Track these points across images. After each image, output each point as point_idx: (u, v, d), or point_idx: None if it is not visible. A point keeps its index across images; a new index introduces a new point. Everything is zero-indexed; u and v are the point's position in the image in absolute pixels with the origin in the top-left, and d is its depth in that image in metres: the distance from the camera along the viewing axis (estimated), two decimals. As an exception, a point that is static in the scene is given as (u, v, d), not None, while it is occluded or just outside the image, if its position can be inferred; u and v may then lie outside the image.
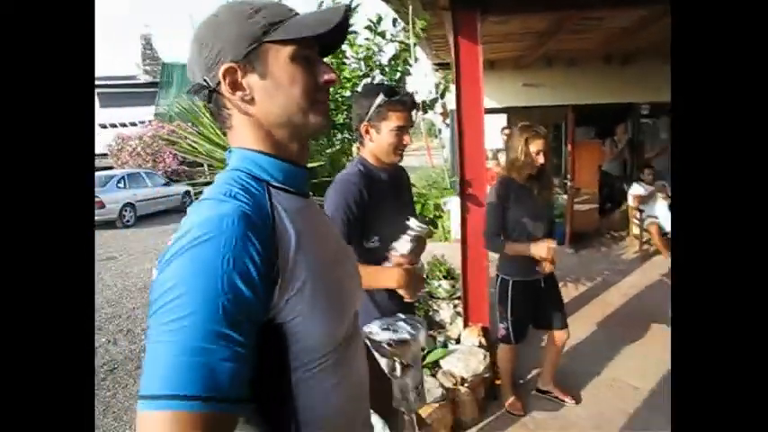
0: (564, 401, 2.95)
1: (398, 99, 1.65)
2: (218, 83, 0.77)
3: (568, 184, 6.81)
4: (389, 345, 0.83)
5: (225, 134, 0.85)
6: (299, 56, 0.78)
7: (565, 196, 7.00)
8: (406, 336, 1.38)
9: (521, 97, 7.33)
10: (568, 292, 4.85)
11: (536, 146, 2.53)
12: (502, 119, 7.63)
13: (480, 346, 3.10)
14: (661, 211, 6.04)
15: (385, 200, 1.69)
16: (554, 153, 9.16)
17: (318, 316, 0.75)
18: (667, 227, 5.97)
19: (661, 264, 5.76)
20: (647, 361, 3.46)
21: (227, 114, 0.80)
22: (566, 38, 5.37)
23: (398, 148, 1.68)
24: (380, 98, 1.62)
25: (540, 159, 2.54)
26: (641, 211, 6.22)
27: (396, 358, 0.85)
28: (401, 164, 1.85)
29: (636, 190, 6.32)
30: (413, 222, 1.55)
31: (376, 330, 1.47)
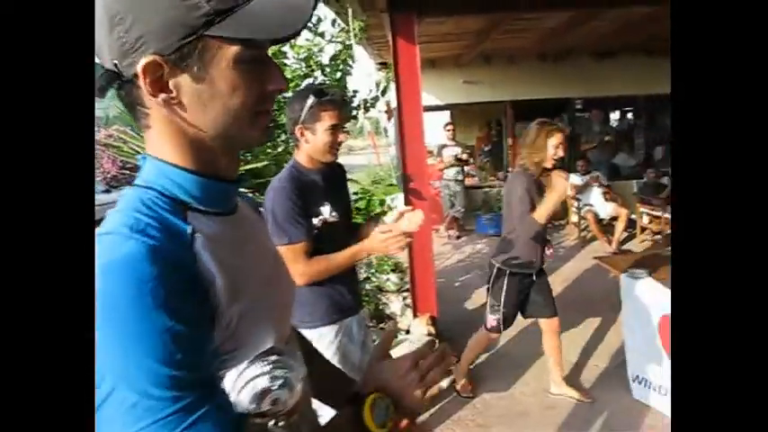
0: (582, 401, 2.94)
1: (329, 99, 1.69)
2: (135, 74, 0.58)
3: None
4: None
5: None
6: (246, 58, 0.61)
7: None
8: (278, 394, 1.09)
9: (461, 94, 7.55)
10: (513, 280, 5.07)
11: (556, 140, 2.60)
12: (444, 116, 7.84)
13: (429, 335, 3.21)
14: (596, 200, 6.40)
15: (319, 200, 1.73)
16: (496, 147, 9.52)
17: (252, 349, 0.65)
18: (602, 213, 6.33)
19: (598, 249, 6.10)
20: (589, 341, 3.70)
21: (144, 113, 0.64)
22: (502, 37, 5.60)
23: (334, 147, 1.73)
24: (311, 100, 1.66)
25: (560, 153, 2.62)
26: (578, 200, 6.55)
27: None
28: (345, 163, 1.91)
29: (573, 180, 6.65)
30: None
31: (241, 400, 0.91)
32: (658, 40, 6.18)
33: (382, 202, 4.15)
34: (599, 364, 3.37)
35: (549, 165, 2.63)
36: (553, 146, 2.59)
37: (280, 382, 0.64)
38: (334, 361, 1.73)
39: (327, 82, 3.56)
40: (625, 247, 6.38)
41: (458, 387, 3.05)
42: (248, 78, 0.62)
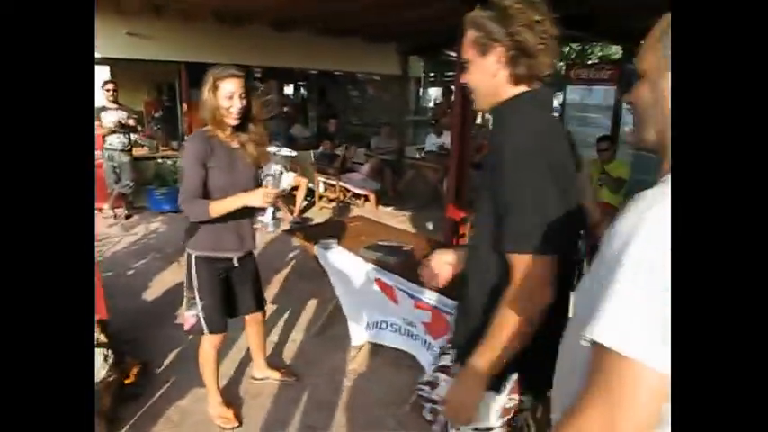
0: (286, 381, 2.78)
1: None
2: None
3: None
4: None
5: None
6: None
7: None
8: None
9: (125, 48, 6.46)
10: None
11: (229, 86, 2.07)
12: (103, 72, 6.58)
13: (99, 344, 2.55)
14: (275, 170, 6.44)
15: None
16: (169, 113, 8.63)
17: None
18: (283, 183, 6.43)
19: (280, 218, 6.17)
20: (285, 315, 3.63)
21: None
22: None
23: None
24: None
25: (237, 103, 2.11)
26: (260, 170, 6.48)
27: None
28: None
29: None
30: None
31: None
32: (331, 18, 6.51)
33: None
34: (296, 339, 3.33)
35: (232, 120, 2.10)
36: (226, 96, 2.06)
37: None
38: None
39: None
40: (306, 215, 6.66)
41: (216, 416, 2.44)
42: None
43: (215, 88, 2.06)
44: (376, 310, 2.96)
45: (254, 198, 2.08)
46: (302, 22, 7.06)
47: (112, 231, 5.51)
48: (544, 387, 1.12)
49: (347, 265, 2.99)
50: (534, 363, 1.11)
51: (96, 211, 5.88)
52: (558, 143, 1.15)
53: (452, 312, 2.22)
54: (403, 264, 2.80)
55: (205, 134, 2.13)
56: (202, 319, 2.26)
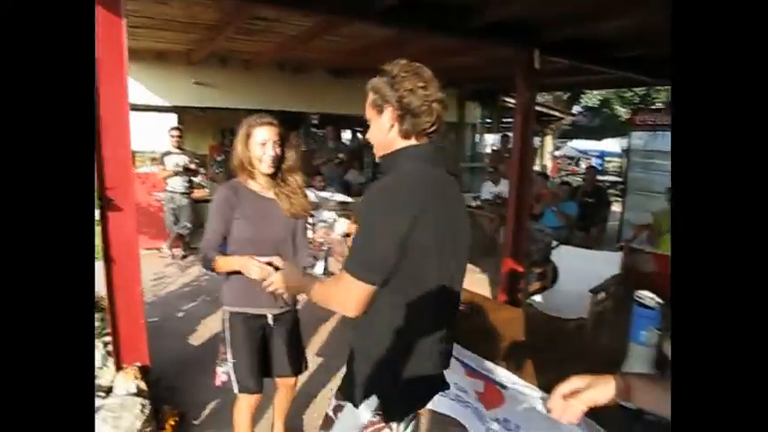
0: None
1: None
2: None
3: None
4: None
5: None
6: None
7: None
8: None
9: (192, 96, 6.78)
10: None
11: (262, 134, 2.01)
12: (172, 119, 6.92)
13: (138, 393, 2.49)
14: (329, 216, 6.44)
15: None
16: (229, 158, 8.95)
17: None
18: (337, 230, 6.40)
19: (333, 264, 6.11)
20: (323, 363, 3.47)
21: None
22: (238, 37, 5.16)
23: None
24: None
25: (270, 150, 2.02)
26: (312, 216, 6.49)
27: None
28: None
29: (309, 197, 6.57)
30: None
31: None
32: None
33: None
34: (334, 388, 3.15)
35: (265, 168, 2.02)
36: (259, 143, 1.99)
37: None
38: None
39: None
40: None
41: None
42: None
43: (248, 136, 2.01)
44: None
45: (247, 267, 1.88)
46: (360, 69, 7.20)
47: (168, 271, 5.62)
48: (404, 413, 1.46)
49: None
50: (394, 390, 1.39)
51: (155, 250, 6.05)
52: (431, 192, 1.31)
53: (507, 386, 2.01)
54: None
55: (235, 183, 2.08)
56: (233, 379, 2.11)
